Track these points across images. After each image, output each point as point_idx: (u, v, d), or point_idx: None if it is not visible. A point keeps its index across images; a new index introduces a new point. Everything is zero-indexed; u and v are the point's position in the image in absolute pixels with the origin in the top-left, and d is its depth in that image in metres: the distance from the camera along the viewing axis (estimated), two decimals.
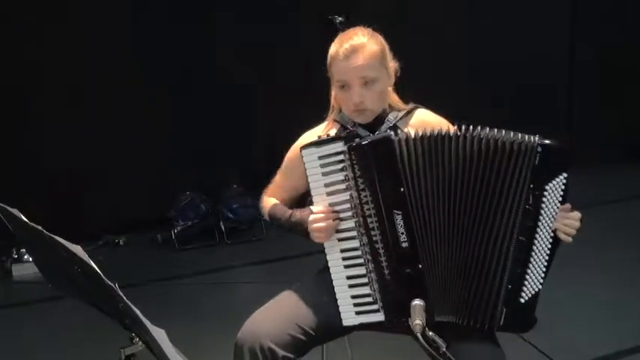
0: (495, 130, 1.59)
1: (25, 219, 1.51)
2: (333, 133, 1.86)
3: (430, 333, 1.46)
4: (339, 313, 1.70)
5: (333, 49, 1.81)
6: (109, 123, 4.68)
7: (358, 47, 1.76)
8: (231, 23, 4.93)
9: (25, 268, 4.10)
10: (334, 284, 1.69)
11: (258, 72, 4.89)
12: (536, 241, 1.60)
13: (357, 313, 1.68)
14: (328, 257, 1.70)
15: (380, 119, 1.84)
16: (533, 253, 1.60)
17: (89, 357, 2.93)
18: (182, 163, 4.95)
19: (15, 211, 1.55)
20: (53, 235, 1.38)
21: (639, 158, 5.91)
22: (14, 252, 4.24)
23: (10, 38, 4.44)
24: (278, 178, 1.99)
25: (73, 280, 1.52)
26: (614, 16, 6.03)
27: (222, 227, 4.68)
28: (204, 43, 4.89)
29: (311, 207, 1.72)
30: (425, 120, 1.86)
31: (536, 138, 1.57)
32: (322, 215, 1.67)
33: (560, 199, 1.59)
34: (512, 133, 1.58)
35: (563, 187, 1.58)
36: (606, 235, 4.25)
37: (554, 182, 1.57)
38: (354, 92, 1.77)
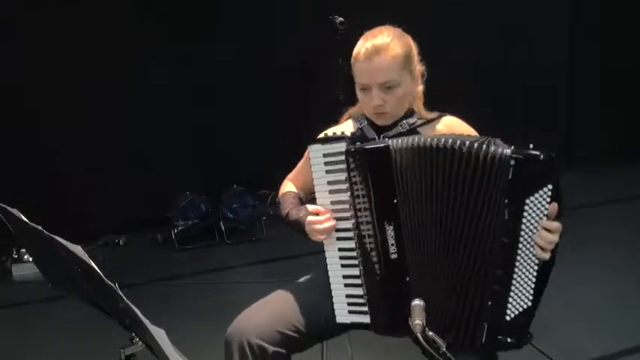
0: (468, 141, 1.50)
1: (25, 219, 1.51)
2: (349, 127, 1.85)
3: (430, 333, 1.46)
4: (334, 309, 1.70)
5: (356, 47, 1.74)
6: (110, 123, 4.68)
7: (380, 48, 1.69)
8: (232, 23, 4.93)
9: (25, 268, 4.10)
10: (331, 281, 1.70)
11: (258, 72, 4.89)
12: (518, 257, 1.50)
13: (350, 312, 1.69)
14: (327, 254, 1.70)
15: (397, 122, 1.80)
16: (516, 269, 1.50)
17: (89, 357, 2.93)
18: (182, 163, 4.95)
19: (15, 211, 1.56)
20: (53, 235, 1.38)
21: (639, 158, 5.92)
22: (14, 252, 4.25)
23: (11, 38, 4.44)
24: (298, 167, 2.00)
25: (73, 280, 1.52)
26: (614, 16, 6.03)
27: (222, 227, 4.68)
28: (204, 43, 4.89)
29: (307, 206, 1.72)
30: (452, 127, 1.80)
31: (509, 150, 1.46)
32: (320, 218, 1.66)
33: (546, 212, 1.47)
34: (486, 145, 1.48)
35: (548, 199, 1.46)
36: (606, 235, 4.25)
37: (537, 195, 1.46)
38: (374, 95, 1.72)
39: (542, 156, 1.44)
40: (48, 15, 4.51)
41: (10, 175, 4.31)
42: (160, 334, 1.28)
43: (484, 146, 1.48)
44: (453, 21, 5.49)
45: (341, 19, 3.39)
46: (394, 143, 1.57)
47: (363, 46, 1.73)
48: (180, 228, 4.63)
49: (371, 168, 1.58)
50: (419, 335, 1.46)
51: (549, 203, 1.47)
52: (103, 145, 4.69)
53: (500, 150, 1.47)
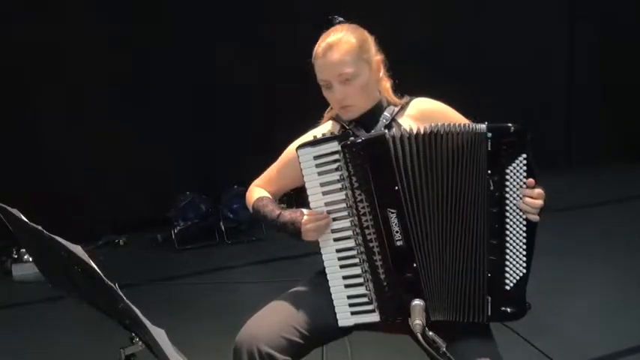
0: (451, 124, 1.60)
1: (25, 219, 1.51)
2: (329, 129, 1.86)
3: (430, 333, 1.46)
4: (335, 313, 1.70)
5: (314, 49, 1.80)
6: (109, 123, 4.68)
7: (333, 44, 1.74)
8: (231, 23, 4.93)
9: (25, 268, 4.10)
10: (330, 284, 1.69)
11: (258, 72, 4.89)
12: (508, 226, 1.59)
13: (353, 313, 1.69)
14: (324, 257, 1.70)
15: (375, 116, 1.82)
16: (507, 239, 1.59)
17: (89, 357, 2.93)
18: (182, 163, 4.95)
19: (15, 211, 1.56)
20: (53, 235, 1.39)
21: (639, 158, 5.92)
22: (14, 252, 4.25)
23: (11, 37, 4.44)
24: (272, 172, 1.97)
25: (73, 280, 1.52)
26: (613, 17, 6.03)
27: (222, 227, 4.68)
28: (204, 43, 4.89)
29: (302, 209, 1.72)
30: (422, 108, 1.83)
31: (484, 125, 1.57)
32: (315, 216, 1.67)
33: (525, 180, 1.57)
34: (462, 125, 1.59)
35: (525, 167, 1.56)
36: (607, 235, 4.25)
37: (514, 165, 1.56)
38: (335, 90, 1.75)
39: (513, 127, 1.56)
40: (48, 14, 4.51)
41: (10, 175, 4.31)
42: (160, 334, 1.28)
43: (465, 125, 1.59)
44: (451, 22, 5.49)
45: (341, 19, 3.40)
46: (389, 132, 1.62)
47: (318, 46, 1.78)
48: (180, 228, 4.63)
49: (370, 158, 1.60)
50: (419, 335, 1.46)
51: (526, 172, 1.57)
52: (103, 145, 4.69)
53: (477, 126, 1.58)
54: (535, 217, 1.58)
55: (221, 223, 4.68)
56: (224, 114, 4.97)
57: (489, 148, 1.56)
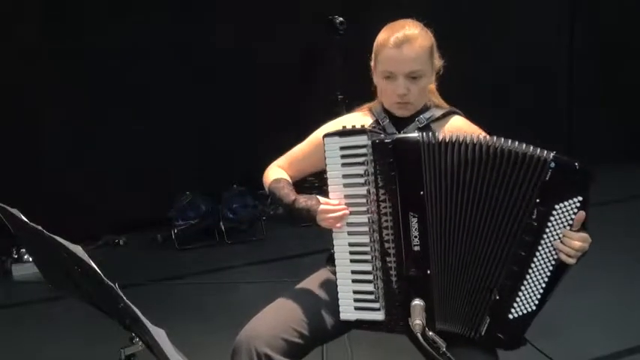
0: (510, 140, 1.53)
1: (25, 219, 1.51)
2: (360, 118, 1.83)
3: (430, 333, 1.46)
4: (338, 305, 1.68)
5: (381, 36, 1.75)
6: (109, 123, 4.68)
7: (411, 38, 1.70)
8: (231, 22, 4.93)
9: (25, 268, 4.10)
10: (337, 276, 1.68)
11: (257, 72, 4.89)
12: (535, 259, 1.53)
13: (357, 308, 1.67)
14: (336, 249, 1.68)
15: (411, 117, 1.79)
16: (530, 270, 1.54)
17: (89, 357, 2.93)
18: (182, 163, 4.95)
19: (15, 211, 1.55)
20: (53, 235, 1.38)
21: (639, 158, 5.91)
22: (14, 252, 4.24)
23: (11, 37, 4.44)
24: (297, 154, 1.93)
25: (73, 280, 1.52)
26: (614, 16, 6.03)
27: (222, 227, 4.68)
28: (204, 42, 4.89)
29: (318, 197, 1.70)
30: (460, 128, 1.77)
31: (552, 154, 1.49)
32: (333, 207, 1.64)
33: (572, 222, 1.51)
34: (529, 146, 1.51)
35: (576, 209, 1.50)
36: (607, 235, 4.23)
37: (565, 203, 1.50)
38: (400, 83, 1.71)
39: (580, 166, 1.49)
40: (46, 13, 4.51)
41: (9, 175, 4.30)
42: (160, 334, 1.28)
43: (524, 145, 1.51)
44: (451, 20, 5.48)
45: (341, 19, 3.40)
46: (423, 136, 1.57)
47: (391, 34, 1.72)
48: (180, 228, 4.63)
49: (399, 159, 1.57)
50: (419, 335, 1.46)
51: (575, 214, 1.50)
52: (103, 144, 4.69)
53: (543, 151, 1.50)
54: (568, 259, 1.53)
55: (221, 223, 4.68)
56: (224, 114, 4.96)
57: (547, 178, 1.49)
